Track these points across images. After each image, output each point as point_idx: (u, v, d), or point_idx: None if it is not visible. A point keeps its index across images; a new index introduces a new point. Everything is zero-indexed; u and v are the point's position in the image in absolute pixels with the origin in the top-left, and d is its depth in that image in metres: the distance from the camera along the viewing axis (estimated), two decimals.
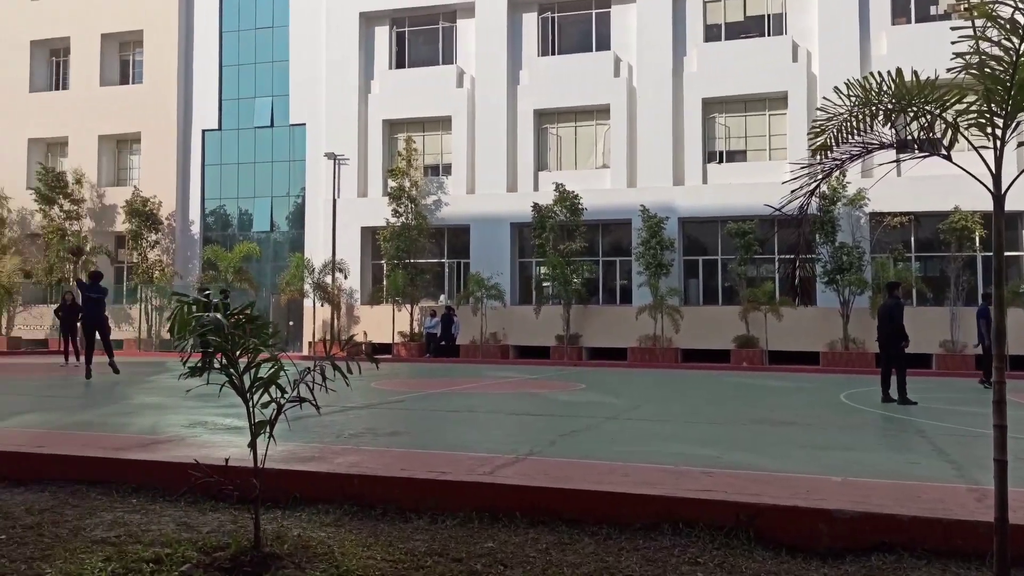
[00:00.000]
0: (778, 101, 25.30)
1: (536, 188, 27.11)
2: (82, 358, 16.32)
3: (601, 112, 27.09)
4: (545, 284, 27.07)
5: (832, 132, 4.62)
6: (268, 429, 3.86)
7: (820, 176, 4.67)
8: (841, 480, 5.51)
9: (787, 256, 24.38)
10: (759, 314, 23.26)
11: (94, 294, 15.37)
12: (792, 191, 4.65)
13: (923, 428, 9.21)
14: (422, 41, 29.54)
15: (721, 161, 26.03)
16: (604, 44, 27.41)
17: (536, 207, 25.53)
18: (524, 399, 12.42)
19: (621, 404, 11.45)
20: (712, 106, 26.03)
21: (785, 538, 4.36)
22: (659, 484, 5.15)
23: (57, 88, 34.00)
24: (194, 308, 3.83)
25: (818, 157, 4.68)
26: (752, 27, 26.21)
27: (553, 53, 28.06)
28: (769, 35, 25.82)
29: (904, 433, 8.90)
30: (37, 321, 29.69)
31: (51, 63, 34.33)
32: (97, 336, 15.54)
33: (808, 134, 4.86)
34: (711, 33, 26.49)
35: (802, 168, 4.66)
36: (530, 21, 28.06)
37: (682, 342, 24.40)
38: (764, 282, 24.28)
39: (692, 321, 24.24)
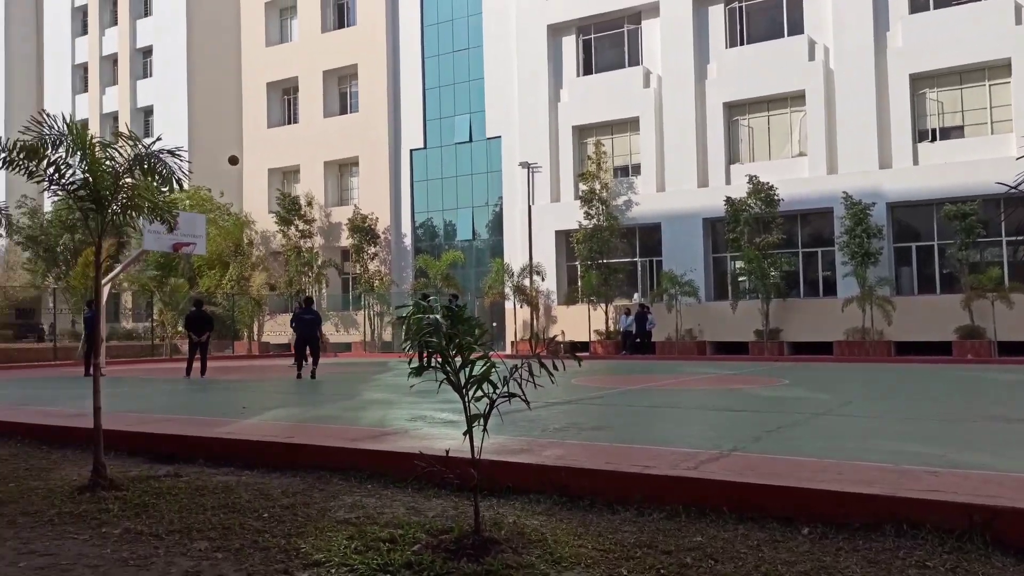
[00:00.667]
0: (1000, 69, 23.04)
1: (728, 182, 26.41)
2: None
3: (796, 99, 25.93)
4: (741, 279, 26.28)
5: None
6: (483, 422, 4.12)
7: None
8: None
9: (1018, 238, 22.17)
10: (985, 302, 21.28)
11: (307, 315, 17.57)
12: None
13: None
14: (608, 46, 29.71)
15: (934, 139, 24.07)
16: (796, 28, 26.21)
17: (729, 201, 24.87)
18: (725, 395, 12.17)
19: (829, 400, 10.94)
20: (921, 81, 24.14)
21: None
22: (878, 483, 4.92)
23: (289, 122, 37.95)
24: (426, 313, 4.15)
25: None
26: None
27: (742, 43, 27.22)
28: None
29: None
30: (281, 328, 33.02)
31: (283, 101, 38.44)
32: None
33: None
34: (917, 4, 24.56)
35: None
36: (716, 13, 27.40)
37: (895, 335, 22.80)
38: (990, 267, 22.17)
39: (906, 312, 22.60)
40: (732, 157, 27.05)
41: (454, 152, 33.03)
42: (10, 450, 7.77)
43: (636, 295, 28.21)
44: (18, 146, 5.93)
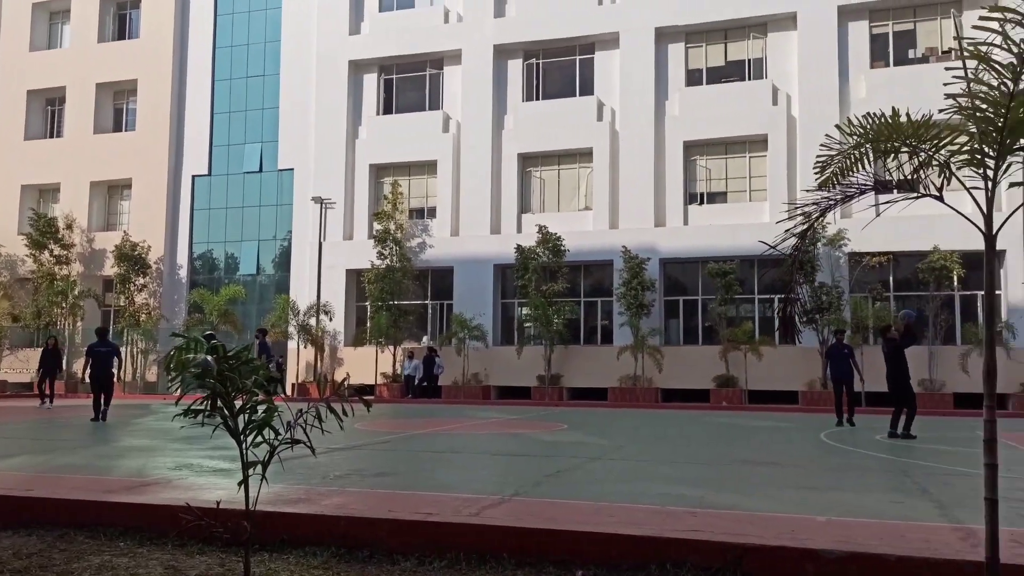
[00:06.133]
0: (759, 143, 25.79)
1: (519, 230, 27.37)
2: (47, 401, 16.40)
3: (584, 155, 27.48)
4: (527, 325, 27.18)
5: (835, 169, 4.72)
6: (262, 471, 3.88)
7: (819, 213, 4.77)
8: (826, 520, 5.56)
9: (768, 296, 24.67)
10: (739, 354, 23.43)
11: (102, 348, 15.79)
12: (786, 230, 4.75)
13: (905, 467, 9.30)
14: (409, 87, 30.00)
15: (702, 203, 26.42)
16: (588, 89, 27.91)
17: (519, 249, 25.74)
18: (507, 439, 12.41)
19: (604, 444, 11.48)
20: (693, 149, 26.49)
21: None
22: (646, 524, 5.19)
23: (52, 135, 34.36)
24: (192, 349, 3.87)
25: (825, 190, 4.77)
26: (733, 71, 26.82)
27: (538, 98, 28.53)
28: (750, 79, 26.41)
29: (887, 472, 8.98)
30: (23, 364, 29.43)
31: (46, 111, 34.78)
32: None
33: (813, 169, 4.94)
34: (693, 77, 27.06)
35: (798, 206, 4.77)
36: (515, 67, 28.57)
37: (662, 382, 24.49)
38: (744, 322, 24.50)
39: (672, 361, 24.37)
40: (524, 206, 28.11)
41: (242, 181, 31.59)
42: None
43: (426, 338, 28.28)
44: None
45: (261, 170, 31.37)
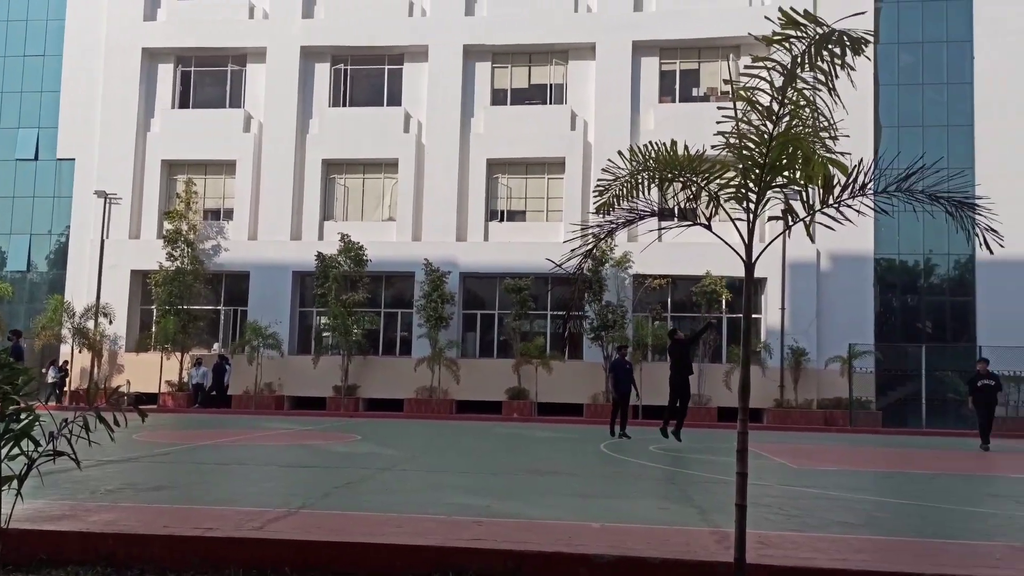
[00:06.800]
0: (557, 166, 26.97)
1: (321, 237, 26.85)
2: None
3: (390, 166, 27.45)
4: (325, 334, 26.66)
5: (614, 193, 5.06)
6: (17, 485, 3.61)
7: (600, 237, 5.10)
8: (600, 526, 5.96)
9: (559, 312, 25.82)
10: (530, 367, 24.29)
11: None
12: (572, 250, 5.04)
13: (672, 476, 10.11)
14: (209, 82, 28.57)
15: (502, 220, 27.20)
16: (396, 100, 27.92)
17: (320, 256, 25.24)
18: (298, 451, 12.14)
19: (396, 455, 11.53)
20: (496, 167, 27.24)
21: None
22: (431, 534, 5.31)
23: None
24: None
25: (600, 215, 5.11)
26: (536, 95, 27.89)
27: (345, 104, 28.17)
28: (551, 103, 27.58)
29: (656, 480, 9.72)
30: None
31: None
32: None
33: (593, 193, 5.24)
34: (498, 97, 27.84)
35: (583, 228, 5.08)
36: (322, 71, 28.05)
37: (458, 394, 24.90)
38: (536, 337, 25.48)
39: (468, 373, 24.85)
40: (327, 214, 27.60)
41: (13, 169, 28.65)
42: None
43: (217, 345, 26.95)
44: None
45: (37, 158, 28.65)
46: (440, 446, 13.85)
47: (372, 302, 26.45)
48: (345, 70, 28.37)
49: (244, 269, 26.80)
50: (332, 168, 27.87)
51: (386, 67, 28.27)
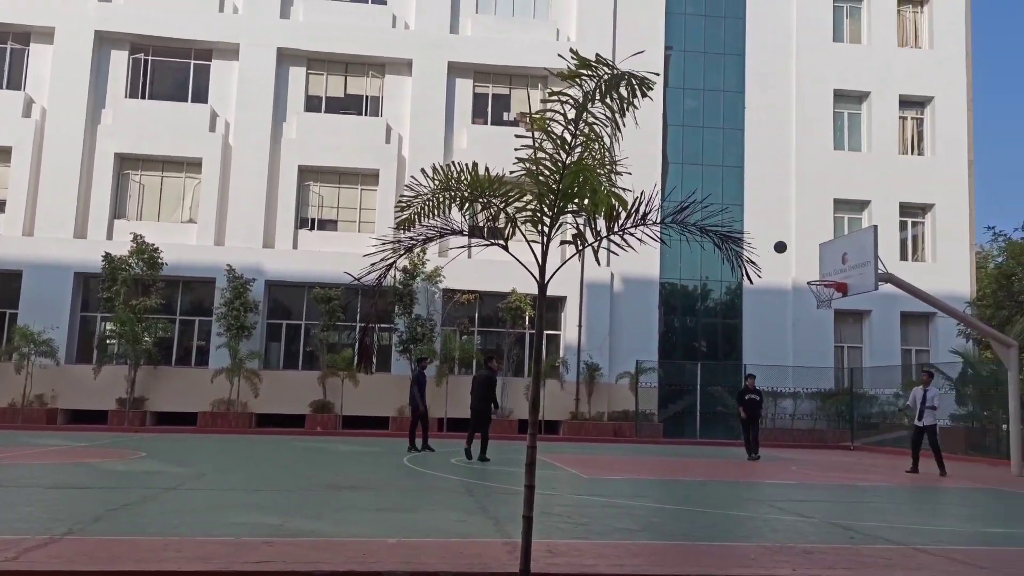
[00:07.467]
0: (371, 177, 26.70)
1: (111, 237, 24.92)
2: None
3: (192, 165, 26.00)
4: (111, 342, 24.71)
5: (416, 210, 5.12)
6: None
7: (401, 252, 5.13)
8: (395, 541, 5.95)
9: (362, 324, 25.54)
10: (337, 379, 23.81)
11: None
12: (372, 264, 5.04)
13: (471, 487, 10.28)
14: None
15: (313, 228, 26.53)
16: (202, 96, 26.51)
17: (108, 257, 23.40)
18: (69, 470, 11.13)
19: (184, 472, 10.88)
20: (308, 174, 26.56)
21: None
22: (215, 558, 5.07)
23: None
24: None
25: (402, 231, 5.16)
26: (351, 105, 27.49)
27: (144, 97, 26.38)
28: (366, 115, 27.30)
29: (455, 493, 9.83)
30: None
31: None
32: None
33: (395, 208, 5.28)
34: (312, 104, 27.18)
35: (384, 243, 5.09)
36: (119, 59, 26.13)
37: (259, 407, 23.91)
38: (344, 348, 25.01)
39: (271, 385, 23.95)
40: (119, 212, 25.66)
41: None
42: None
43: None
44: None
45: None
46: (233, 462, 13.24)
47: (167, 308, 24.84)
48: (146, 60, 26.58)
49: (16, 268, 24.24)
50: (126, 163, 25.97)
51: (192, 62, 26.78)
